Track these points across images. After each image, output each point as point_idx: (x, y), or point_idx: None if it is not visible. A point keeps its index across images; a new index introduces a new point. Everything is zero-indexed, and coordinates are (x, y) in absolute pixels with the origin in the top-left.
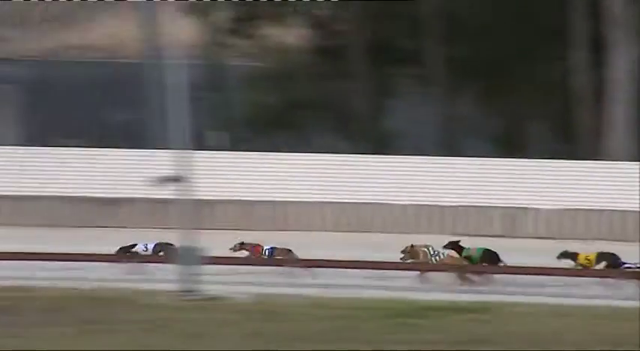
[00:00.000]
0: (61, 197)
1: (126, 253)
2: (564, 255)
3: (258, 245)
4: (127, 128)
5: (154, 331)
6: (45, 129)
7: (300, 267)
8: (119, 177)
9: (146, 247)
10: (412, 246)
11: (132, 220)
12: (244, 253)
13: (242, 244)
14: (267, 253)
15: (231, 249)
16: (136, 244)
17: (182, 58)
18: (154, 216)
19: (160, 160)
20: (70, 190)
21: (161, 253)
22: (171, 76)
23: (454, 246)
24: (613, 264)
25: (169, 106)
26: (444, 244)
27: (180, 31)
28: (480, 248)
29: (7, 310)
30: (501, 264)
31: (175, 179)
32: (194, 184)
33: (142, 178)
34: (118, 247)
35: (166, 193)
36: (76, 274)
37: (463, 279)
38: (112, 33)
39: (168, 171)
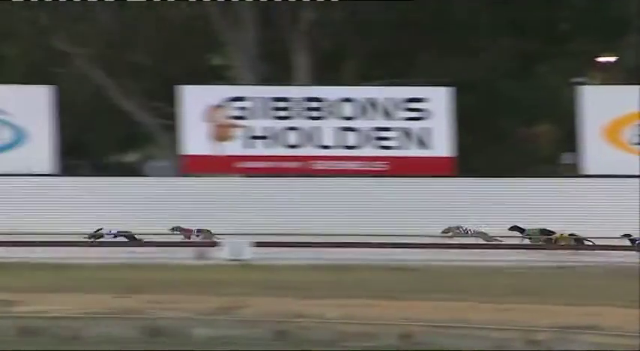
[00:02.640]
0: None
1: (93, 237)
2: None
3: (189, 229)
4: None
5: None
6: None
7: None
8: None
9: (110, 232)
10: (449, 227)
11: None
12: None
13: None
14: (196, 233)
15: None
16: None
17: None
18: None
19: None
20: None
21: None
22: None
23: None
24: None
25: None
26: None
27: None
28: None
29: None
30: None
31: None
32: None
33: None
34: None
35: None
36: None
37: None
38: None
39: None
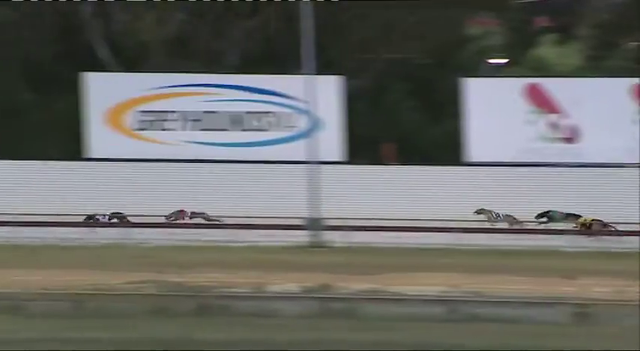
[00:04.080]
0: None
1: (90, 219)
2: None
3: (183, 210)
4: None
5: None
6: None
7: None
8: None
9: (104, 216)
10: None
11: None
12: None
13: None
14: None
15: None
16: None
17: None
18: None
19: None
20: None
21: (114, 220)
22: None
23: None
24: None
25: None
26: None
27: None
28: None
29: None
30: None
31: None
32: None
33: None
34: (86, 216)
35: None
36: None
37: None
38: None
39: None
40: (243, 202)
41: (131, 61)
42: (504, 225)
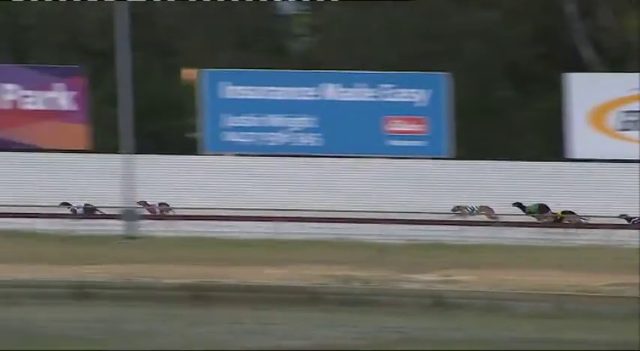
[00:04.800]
0: None
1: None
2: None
3: (152, 205)
4: None
5: None
6: None
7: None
8: None
9: (79, 207)
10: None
11: None
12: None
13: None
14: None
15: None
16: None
17: None
18: None
19: None
20: None
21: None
22: None
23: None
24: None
25: None
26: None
27: None
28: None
29: None
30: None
31: None
32: None
33: None
34: (61, 202)
35: None
36: None
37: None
38: None
39: None
40: None
41: (615, 61)
42: None
